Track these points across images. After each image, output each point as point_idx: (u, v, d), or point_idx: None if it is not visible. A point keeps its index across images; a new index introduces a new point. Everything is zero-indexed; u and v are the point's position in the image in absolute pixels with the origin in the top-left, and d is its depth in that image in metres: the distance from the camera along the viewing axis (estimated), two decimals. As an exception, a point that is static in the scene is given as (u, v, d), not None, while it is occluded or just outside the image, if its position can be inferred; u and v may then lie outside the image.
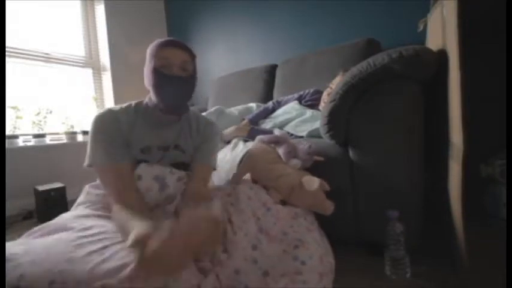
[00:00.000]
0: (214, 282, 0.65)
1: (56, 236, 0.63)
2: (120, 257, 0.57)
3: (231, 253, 0.71)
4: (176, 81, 0.79)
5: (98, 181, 0.87)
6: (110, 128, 0.78)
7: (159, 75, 0.78)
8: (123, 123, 0.80)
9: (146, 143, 0.82)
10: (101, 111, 0.81)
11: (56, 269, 0.53)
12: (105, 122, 0.78)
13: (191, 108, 0.94)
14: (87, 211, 0.78)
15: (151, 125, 0.84)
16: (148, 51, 0.82)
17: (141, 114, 0.84)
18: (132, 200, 0.73)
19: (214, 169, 0.94)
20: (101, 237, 0.63)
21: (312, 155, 1.03)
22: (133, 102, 0.86)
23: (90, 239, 0.61)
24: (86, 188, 0.88)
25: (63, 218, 0.73)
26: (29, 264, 0.53)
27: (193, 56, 0.84)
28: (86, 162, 0.77)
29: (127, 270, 0.54)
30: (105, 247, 0.59)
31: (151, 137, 0.83)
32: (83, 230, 0.64)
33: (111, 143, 0.76)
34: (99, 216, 0.76)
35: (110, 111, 0.80)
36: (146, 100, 0.86)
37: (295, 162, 1.02)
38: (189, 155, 0.89)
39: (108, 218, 0.75)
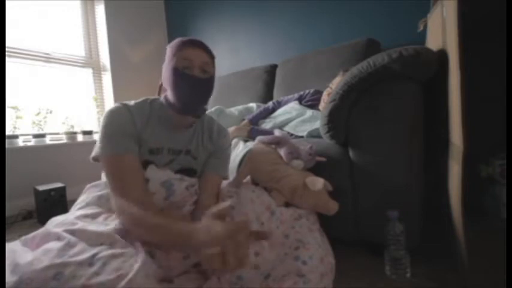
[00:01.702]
0: (216, 285, 0.65)
1: (42, 248, 0.59)
2: (113, 268, 0.54)
3: None
4: (196, 83, 0.78)
5: (98, 181, 0.86)
6: (123, 121, 0.76)
7: (180, 75, 0.77)
8: (137, 118, 0.78)
9: (157, 143, 0.80)
10: (115, 105, 0.80)
11: None
12: (118, 115, 0.77)
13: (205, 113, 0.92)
14: (79, 212, 0.74)
15: (165, 126, 0.82)
16: (169, 50, 0.80)
17: (156, 112, 0.82)
18: (140, 196, 0.70)
19: (226, 178, 0.93)
20: (89, 243, 0.60)
21: (314, 156, 1.03)
22: (149, 98, 0.85)
23: (77, 248, 0.57)
24: (87, 187, 0.87)
25: (54, 222, 0.70)
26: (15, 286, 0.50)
27: (213, 57, 0.83)
28: (93, 153, 0.76)
29: (122, 283, 0.52)
30: (94, 255, 0.56)
31: (163, 138, 0.81)
32: (70, 234, 0.61)
33: (123, 135, 0.74)
34: (86, 216, 0.72)
35: (124, 106, 0.79)
36: (162, 99, 0.84)
37: (298, 163, 1.02)
38: (200, 162, 0.87)
39: (97, 216, 0.72)
